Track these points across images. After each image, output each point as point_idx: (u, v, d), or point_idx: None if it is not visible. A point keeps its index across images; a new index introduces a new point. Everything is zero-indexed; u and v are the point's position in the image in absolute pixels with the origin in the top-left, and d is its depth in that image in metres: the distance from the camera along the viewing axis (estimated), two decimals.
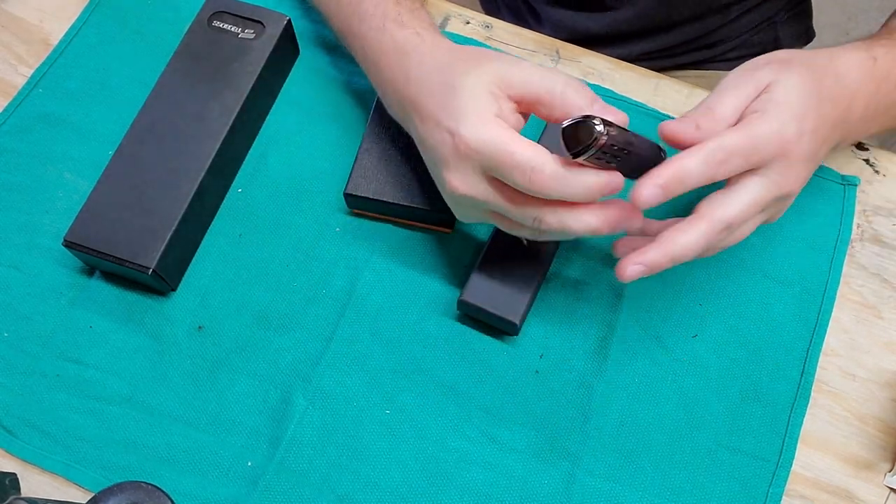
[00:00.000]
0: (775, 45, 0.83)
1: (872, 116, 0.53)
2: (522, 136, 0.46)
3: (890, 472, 0.53)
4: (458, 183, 0.47)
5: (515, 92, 0.48)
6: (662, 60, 0.80)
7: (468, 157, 0.46)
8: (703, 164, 0.45)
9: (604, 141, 0.43)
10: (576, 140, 0.43)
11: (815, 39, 0.87)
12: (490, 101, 0.47)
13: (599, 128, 0.43)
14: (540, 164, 0.44)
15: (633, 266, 0.45)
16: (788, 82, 0.47)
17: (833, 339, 0.57)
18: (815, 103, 0.47)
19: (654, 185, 0.44)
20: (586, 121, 0.43)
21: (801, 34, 0.85)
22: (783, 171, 0.46)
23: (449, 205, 0.52)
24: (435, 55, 0.51)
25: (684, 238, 0.45)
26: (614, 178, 0.45)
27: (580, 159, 0.44)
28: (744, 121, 0.46)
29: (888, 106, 0.53)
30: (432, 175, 0.51)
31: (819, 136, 0.48)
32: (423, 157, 0.52)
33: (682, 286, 0.58)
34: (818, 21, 0.87)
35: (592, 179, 0.45)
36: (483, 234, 0.59)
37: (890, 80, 0.52)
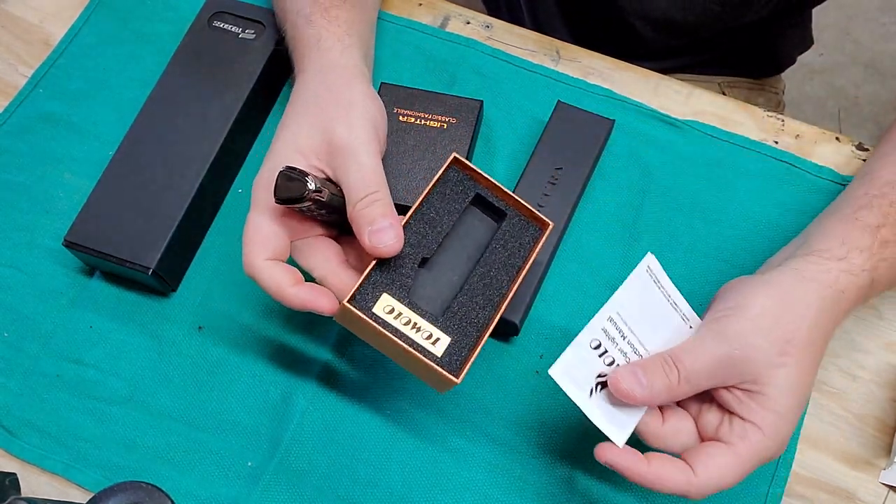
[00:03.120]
0: (774, 52, 0.83)
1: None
2: (265, 223, 0.49)
3: (884, 468, 0.53)
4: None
5: (328, 169, 0.50)
6: (647, 62, 0.80)
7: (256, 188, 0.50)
8: (683, 490, 0.45)
9: (312, 200, 0.46)
10: (286, 189, 0.46)
11: (815, 41, 0.87)
12: (287, 159, 0.50)
13: (311, 186, 0.46)
14: (249, 258, 0.49)
15: (616, 465, 0.45)
16: (781, 383, 0.45)
17: (833, 339, 0.57)
18: (804, 392, 0.46)
19: (618, 469, 0.45)
20: (301, 177, 0.46)
21: (800, 42, 0.84)
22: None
23: None
24: (314, 74, 0.53)
25: (669, 483, 0.45)
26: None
27: (286, 206, 0.47)
28: (733, 449, 0.45)
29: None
30: None
31: (801, 408, 0.47)
32: None
33: (682, 286, 0.58)
34: (818, 21, 0.87)
35: (271, 287, 0.48)
36: None
37: (881, 285, 0.50)
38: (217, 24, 0.63)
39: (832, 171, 0.61)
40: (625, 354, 0.46)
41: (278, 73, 0.65)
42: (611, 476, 0.53)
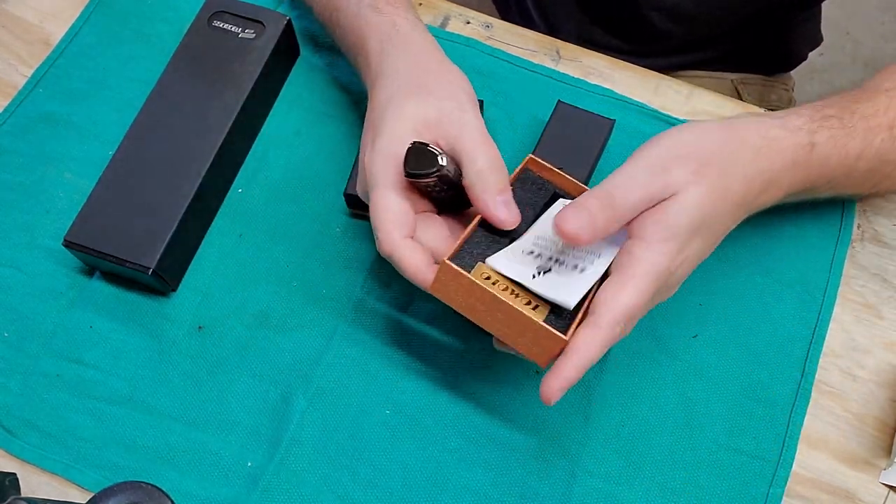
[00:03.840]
0: (786, 47, 0.83)
1: (796, 194, 0.51)
2: (394, 199, 0.48)
3: (884, 468, 0.53)
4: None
5: (442, 141, 0.49)
6: (661, 59, 0.80)
7: (366, 175, 0.50)
8: (602, 346, 0.44)
9: (439, 175, 0.46)
10: (418, 163, 0.46)
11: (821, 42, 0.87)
12: (407, 139, 0.48)
13: (442, 160, 0.45)
14: (389, 237, 0.48)
15: (557, 391, 0.45)
16: (691, 200, 0.45)
17: (833, 339, 0.57)
18: (711, 219, 0.46)
19: (559, 389, 0.45)
20: (432, 151, 0.46)
21: (811, 38, 0.85)
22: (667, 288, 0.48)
23: None
24: (401, 55, 0.53)
25: (590, 349, 0.44)
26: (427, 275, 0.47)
27: (412, 180, 0.47)
28: (629, 273, 0.45)
29: (817, 185, 0.51)
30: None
31: (708, 244, 0.48)
32: None
33: (682, 286, 0.58)
34: None
35: (411, 267, 0.47)
36: None
37: (828, 165, 0.50)
38: (217, 23, 0.63)
39: None
40: (563, 254, 0.46)
41: (278, 73, 0.65)
42: (611, 476, 0.53)
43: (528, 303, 0.46)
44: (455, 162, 0.48)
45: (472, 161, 0.47)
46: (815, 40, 0.85)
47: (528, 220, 0.50)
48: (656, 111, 0.63)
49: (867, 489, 0.53)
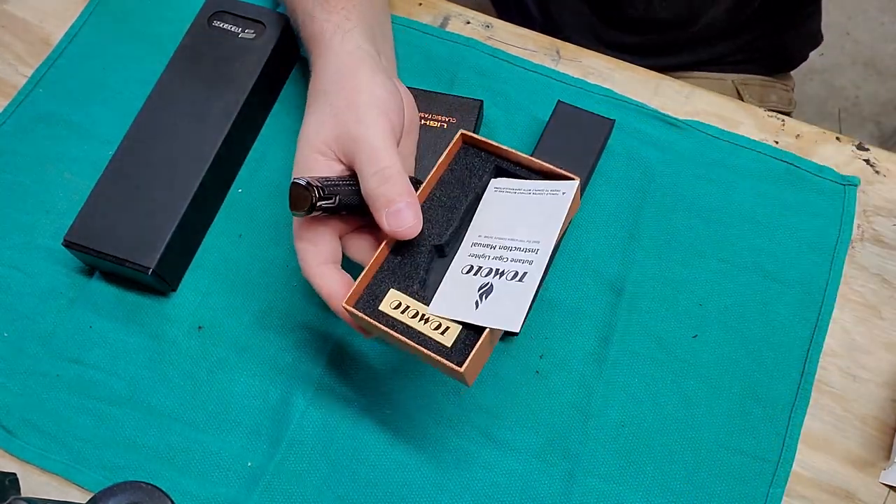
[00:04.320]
0: (787, 47, 0.83)
1: None
2: (306, 227, 0.50)
3: (885, 468, 0.53)
4: None
5: (343, 157, 0.49)
6: (662, 58, 0.80)
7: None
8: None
9: (321, 206, 0.46)
10: (297, 201, 0.47)
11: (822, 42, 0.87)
12: (309, 162, 0.50)
13: (316, 194, 0.46)
14: (301, 265, 0.50)
15: None
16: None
17: (833, 339, 0.57)
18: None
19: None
20: (305, 186, 0.46)
21: (811, 37, 0.85)
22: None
23: None
24: (319, 70, 0.53)
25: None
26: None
27: (299, 216, 0.47)
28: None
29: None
30: None
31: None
32: None
33: (682, 286, 0.58)
34: None
35: (324, 294, 0.49)
36: None
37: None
38: (217, 23, 0.62)
39: (832, 170, 0.61)
40: (502, 259, 0.46)
41: (278, 73, 0.65)
42: (611, 476, 0.53)
43: (438, 326, 0.46)
44: (326, 185, 0.48)
45: (364, 178, 0.47)
46: (816, 40, 0.85)
47: (460, 212, 0.49)
48: (656, 111, 0.63)
49: (867, 489, 0.53)
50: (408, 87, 0.61)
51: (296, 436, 0.54)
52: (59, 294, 0.59)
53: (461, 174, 0.50)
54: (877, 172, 0.62)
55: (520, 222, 0.47)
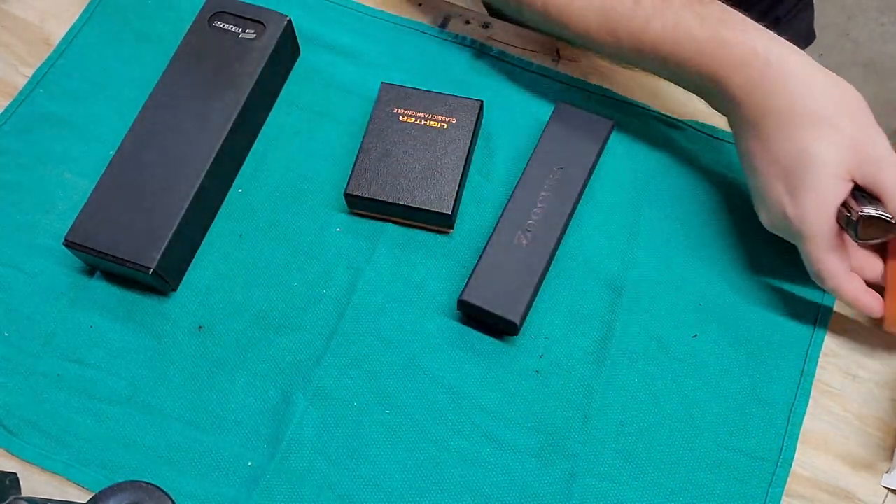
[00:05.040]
0: None
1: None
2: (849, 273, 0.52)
3: (887, 472, 0.53)
4: (767, 221, 0.54)
5: (864, 181, 0.50)
6: None
7: (792, 226, 0.51)
8: None
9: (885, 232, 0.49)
10: (868, 231, 0.49)
11: (815, 42, 0.87)
12: (835, 189, 0.49)
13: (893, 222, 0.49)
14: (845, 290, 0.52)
15: None
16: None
17: (833, 339, 0.57)
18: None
19: None
20: (886, 219, 0.48)
21: (805, 33, 0.84)
22: None
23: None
24: (789, 81, 0.51)
25: None
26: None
27: (860, 242, 0.50)
28: None
29: None
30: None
31: None
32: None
33: (682, 286, 0.58)
34: (818, 22, 0.87)
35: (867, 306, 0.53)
36: (483, 235, 0.59)
37: None
38: (217, 24, 0.63)
39: None
40: None
41: (278, 73, 0.65)
42: (611, 476, 0.53)
43: None
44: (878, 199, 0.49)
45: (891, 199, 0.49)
46: (809, 38, 0.85)
47: None
48: (657, 112, 0.64)
49: (867, 489, 0.53)
50: (408, 87, 0.61)
51: (296, 435, 0.54)
52: (59, 294, 0.59)
53: None
54: None
55: None
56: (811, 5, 0.83)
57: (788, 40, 0.84)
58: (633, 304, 0.57)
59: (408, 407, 0.55)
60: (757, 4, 0.77)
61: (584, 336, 0.57)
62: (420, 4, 0.69)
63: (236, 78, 0.60)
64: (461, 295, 0.55)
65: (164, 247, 0.55)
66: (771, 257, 0.59)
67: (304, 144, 0.63)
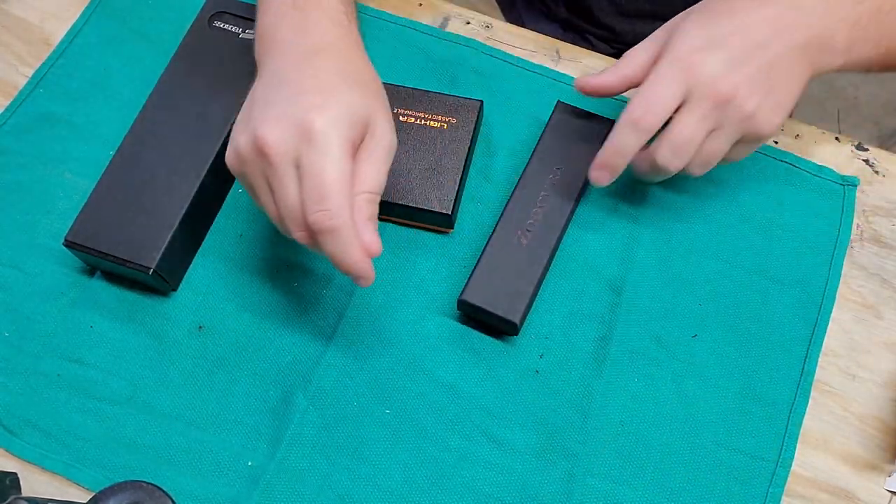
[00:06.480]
0: None
1: (861, 43, 0.52)
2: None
3: (890, 476, 0.53)
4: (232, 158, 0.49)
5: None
6: None
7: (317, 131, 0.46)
8: (631, 131, 0.51)
9: None
10: None
11: None
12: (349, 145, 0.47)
13: None
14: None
15: (594, 172, 0.54)
16: (682, 27, 0.51)
17: (833, 339, 0.57)
18: (718, 31, 0.50)
19: (597, 169, 0.54)
20: None
21: None
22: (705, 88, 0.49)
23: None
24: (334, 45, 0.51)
25: (613, 137, 0.52)
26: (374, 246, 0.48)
27: None
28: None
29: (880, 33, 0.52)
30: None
31: (754, 66, 0.49)
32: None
33: (682, 286, 0.58)
34: None
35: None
36: (483, 234, 0.59)
37: (882, 10, 0.51)
38: (217, 24, 0.63)
39: (832, 171, 0.61)
40: None
41: None
42: (611, 476, 0.53)
43: None
44: None
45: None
46: None
47: None
48: None
49: (867, 489, 0.53)
50: (408, 87, 0.61)
51: (296, 435, 0.54)
52: (59, 294, 0.59)
53: None
54: (876, 173, 0.62)
55: None
56: None
57: None
58: (633, 304, 0.57)
59: (408, 407, 0.55)
60: None
61: (584, 336, 0.57)
62: (420, 4, 0.69)
63: (237, 78, 0.60)
64: (461, 295, 0.55)
65: (164, 247, 0.55)
66: (771, 257, 0.59)
67: None
